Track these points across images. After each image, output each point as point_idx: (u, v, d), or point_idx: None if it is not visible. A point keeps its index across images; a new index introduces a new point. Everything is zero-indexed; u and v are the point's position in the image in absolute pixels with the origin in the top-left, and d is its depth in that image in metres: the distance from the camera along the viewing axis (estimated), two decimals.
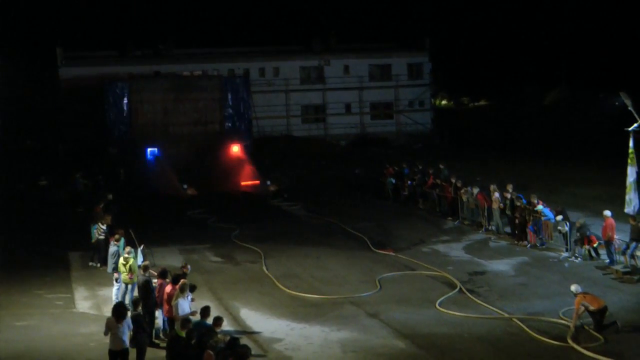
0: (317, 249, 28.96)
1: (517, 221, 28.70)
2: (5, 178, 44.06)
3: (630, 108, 26.58)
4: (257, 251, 28.30)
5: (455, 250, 28.33)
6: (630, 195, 26.47)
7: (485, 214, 31.04)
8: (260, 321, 20.48)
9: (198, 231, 32.86)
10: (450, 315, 20.47)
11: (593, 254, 25.55)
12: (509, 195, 29.75)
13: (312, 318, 20.52)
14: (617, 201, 27.75)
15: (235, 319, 20.74)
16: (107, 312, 18.76)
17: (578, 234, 25.72)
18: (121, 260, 21.57)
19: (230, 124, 49.77)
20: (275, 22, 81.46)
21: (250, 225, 33.59)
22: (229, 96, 50.28)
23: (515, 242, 28.58)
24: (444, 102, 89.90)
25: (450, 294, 22.43)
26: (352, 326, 19.81)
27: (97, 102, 50.55)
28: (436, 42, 69.30)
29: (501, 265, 25.72)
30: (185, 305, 17.89)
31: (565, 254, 26.05)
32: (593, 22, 75.01)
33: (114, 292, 21.79)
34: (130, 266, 21.14)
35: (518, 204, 28.79)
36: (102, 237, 26.09)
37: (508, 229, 29.92)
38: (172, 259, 27.09)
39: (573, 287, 19.27)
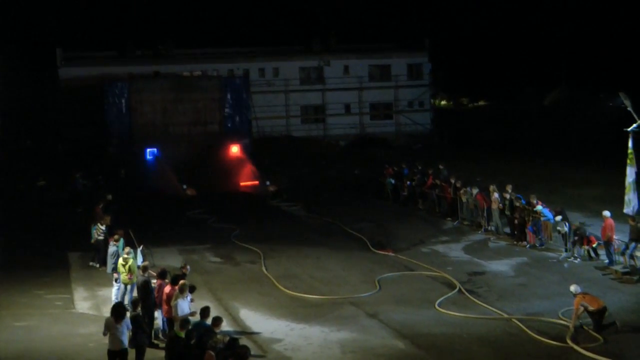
0: (317, 249, 28.97)
1: (516, 222, 28.71)
2: (4, 178, 44.03)
3: (629, 108, 26.61)
4: (257, 251, 28.30)
5: (455, 251, 28.34)
6: (630, 196, 26.49)
7: (485, 214, 31.05)
8: (260, 321, 20.49)
9: (198, 231, 32.85)
10: (450, 315, 20.49)
11: (592, 254, 25.57)
12: (508, 196, 29.77)
13: (312, 318, 20.53)
14: (616, 201, 27.74)
15: (235, 319, 20.75)
16: (107, 312, 18.75)
17: (576, 237, 25.74)
18: (120, 260, 21.57)
19: (229, 124, 49.76)
20: (274, 22, 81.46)
21: (249, 225, 33.58)
22: (229, 96, 50.27)
23: (515, 242, 28.59)
24: (443, 102, 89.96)
25: (449, 294, 22.44)
26: (352, 326, 19.82)
27: (96, 103, 50.49)
28: (436, 42, 69.29)
29: (500, 266, 25.73)
30: (185, 305, 17.90)
31: (564, 255, 26.06)
32: (593, 23, 75.04)
33: (114, 293, 21.80)
34: (129, 266, 21.14)
35: (517, 204, 28.81)
36: (101, 237, 26.09)
37: (507, 230, 29.94)
38: (172, 260, 27.10)
39: (572, 288, 19.29)
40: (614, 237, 24.78)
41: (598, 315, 18.60)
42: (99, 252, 26.02)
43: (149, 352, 17.32)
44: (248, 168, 45.72)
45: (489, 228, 30.82)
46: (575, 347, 17.61)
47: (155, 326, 19.23)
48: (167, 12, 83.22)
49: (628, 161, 26.59)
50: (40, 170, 45.44)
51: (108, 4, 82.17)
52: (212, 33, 76.01)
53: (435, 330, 19.42)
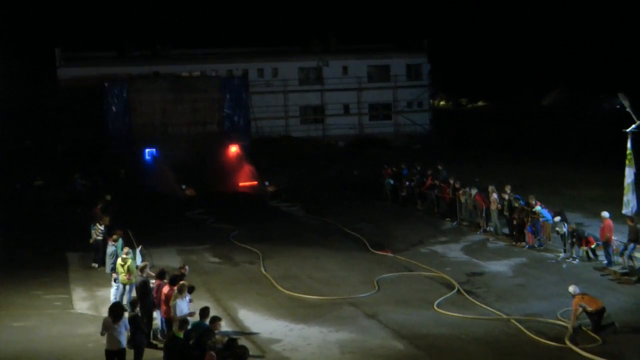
0: (316, 249, 28.97)
1: (515, 222, 28.71)
2: (3, 178, 44.03)
3: (628, 109, 26.60)
4: (256, 252, 28.30)
5: (454, 251, 28.35)
6: (628, 197, 26.47)
7: (484, 215, 31.06)
8: (259, 322, 20.48)
9: (196, 232, 32.87)
10: (449, 316, 20.48)
11: (591, 255, 25.56)
12: (507, 196, 29.78)
13: (311, 319, 20.52)
14: (615, 202, 27.72)
15: (234, 319, 20.74)
16: (105, 312, 18.71)
17: (574, 238, 25.74)
18: (119, 261, 21.57)
19: (228, 125, 49.81)
20: (274, 22, 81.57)
21: (248, 226, 33.59)
22: (228, 97, 50.33)
23: (513, 243, 28.60)
24: (442, 103, 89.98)
25: (448, 294, 22.43)
26: (351, 327, 19.82)
27: (96, 103, 50.52)
28: (435, 43, 69.31)
29: (499, 266, 25.73)
30: (184, 306, 17.89)
31: (563, 255, 26.06)
32: (592, 23, 75.11)
33: (112, 293, 21.80)
34: (128, 267, 21.14)
35: (516, 205, 28.82)
36: (100, 237, 26.09)
37: (506, 230, 29.94)
38: (171, 260, 27.10)
39: (571, 288, 19.28)
40: (613, 237, 24.79)
41: (597, 315, 18.60)
42: (98, 253, 26.02)
43: (148, 353, 17.31)
44: (247, 168, 45.76)
45: (488, 229, 30.83)
46: (574, 347, 17.60)
47: (153, 326, 19.23)
48: (166, 12, 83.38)
49: (627, 162, 26.57)
50: (39, 170, 45.45)
51: (107, 4, 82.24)
52: (211, 33, 76.18)
53: (434, 331, 19.42)
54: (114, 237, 24.02)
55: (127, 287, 21.23)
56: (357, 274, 25.38)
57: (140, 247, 23.80)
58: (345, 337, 19.10)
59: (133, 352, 16.75)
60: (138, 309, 17.70)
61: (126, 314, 16.96)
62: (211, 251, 29.13)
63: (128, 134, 47.69)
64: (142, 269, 19.86)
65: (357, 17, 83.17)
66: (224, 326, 19.07)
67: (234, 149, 47.62)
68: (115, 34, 73.01)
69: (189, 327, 15.97)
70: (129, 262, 21.25)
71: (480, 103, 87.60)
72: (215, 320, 16.61)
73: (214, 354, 14.52)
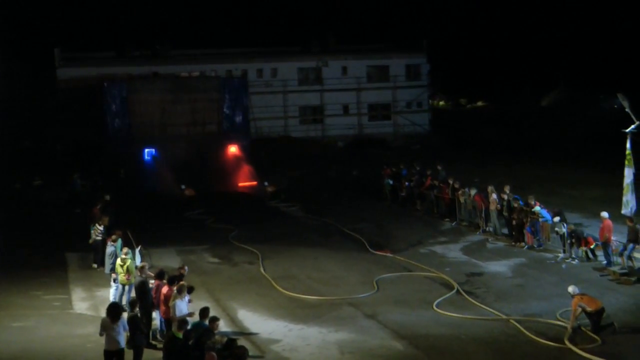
0: (315, 250, 28.98)
1: (514, 222, 28.71)
2: (3, 178, 44.00)
3: (627, 109, 26.60)
4: (255, 252, 28.30)
5: (453, 252, 28.35)
6: (628, 197, 26.48)
7: (483, 215, 31.06)
8: (258, 322, 20.49)
9: (196, 232, 32.86)
10: (448, 316, 20.48)
11: (590, 255, 25.57)
12: (506, 197, 29.77)
13: (310, 319, 20.53)
14: (614, 202, 27.74)
15: (233, 320, 20.74)
16: (105, 313, 18.74)
17: (573, 239, 25.74)
18: (118, 261, 21.57)
19: (228, 125, 49.74)
20: (273, 23, 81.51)
21: (248, 226, 33.59)
22: (227, 97, 50.25)
23: (513, 243, 28.60)
24: (441, 103, 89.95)
25: (447, 295, 22.44)
26: (350, 327, 19.82)
27: (95, 103, 50.49)
28: (434, 43, 69.30)
29: (498, 267, 25.74)
30: (183, 306, 17.89)
31: (562, 256, 26.06)
32: (592, 23, 75.11)
33: (112, 293, 21.81)
34: (127, 267, 21.14)
35: (515, 205, 28.80)
36: (99, 238, 26.10)
37: (505, 231, 29.94)
38: (170, 260, 27.11)
39: (570, 289, 19.29)
40: (612, 238, 24.80)
41: (596, 316, 18.61)
42: (97, 253, 26.02)
43: (147, 353, 17.32)
44: (246, 169, 45.76)
45: (487, 229, 30.83)
46: (573, 348, 17.61)
47: (152, 327, 19.23)
48: (165, 12, 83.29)
49: (626, 162, 26.58)
50: (39, 170, 45.48)
51: (106, 4, 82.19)
52: (211, 34, 76.11)
53: (433, 331, 19.42)
54: (113, 237, 24.02)
55: (127, 287, 21.23)
56: (357, 274, 25.38)
57: (139, 247, 23.81)
58: (345, 337, 19.10)
59: (132, 352, 16.76)
60: (137, 309, 17.70)
61: (125, 314, 16.96)
62: (210, 251, 29.14)
63: (127, 134, 47.63)
64: (141, 269, 19.86)
65: (356, 18, 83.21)
66: (223, 326, 19.11)
67: (233, 149, 47.63)
68: (114, 34, 73.04)
69: (189, 327, 15.97)
70: (128, 262, 21.25)
71: (479, 103, 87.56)
72: (214, 320, 16.63)
73: (214, 354, 14.50)
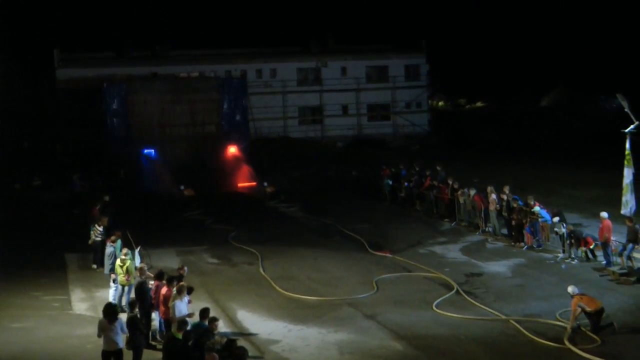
0: (314, 250, 28.97)
1: (513, 223, 28.71)
2: (2, 179, 43.99)
3: (627, 110, 26.60)
4: (254, 253, 28.30)
5: (452, 252, 28.35)
6: (627, 197, 26.49)
7: (482, 215, 31.06)
8: (257, 323, 20.48)
9: (195, 233, 32.85)
10: (447, 316, 20.48)
11: (590, 255, 25.57)
12: (505, 197, 29.77)
13: (309, 320, 20.52)
14: (614, 203, 27.74)
15: (232, 320, 20.74)
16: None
17: (572, 240, 25.75)
18: (118, 261, 21.56)
19: (227, 126, 49.74)
20: (272, 23, 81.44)
21: (247, 226, 33.59)
22: (226, 97, 50.24)
23: (512, 243, 28.60)
24: (441, 103, 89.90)
25: (447, 295, 22.44)
26: (350, 328, 19.82)
27: (94, 104, 50.47)
28: (433, 43, 69.29)
29: (498, 267, 25.74)
30: (182, 306, 17.89)
31: (561, 256, 26.06)
32: (592, 23, 75.07)
33: (111, 294, 21.81)
34: (127, 268, 21.13)
35: (515, 205, 28.81)
36: (98, 238, 26.09)
37: (505, 231, 29.94)
38: (169, 261, 27.10)
39: (570, 289, 19.30)
40: (612, 238, 24.80)
41: (595, 316, 18.61)
42: (97, 254, 26.00)
43: (147, 354, 17.32)
44: (245, 169, 45.73)
45: (487, 229, 30.83)
46: (573, 348, 17.61)
47: (152, 327, 19.22)
48: (164, 13, 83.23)
49: (626, 162, 26.58)
50: (38, 171, 45.48)
51: (106, 5, 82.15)
52: (210, 34, 76.04)
53: (433, 332, 19.42)
54: (113, 238, 24.00)
55: (126, 288, 21.22)
56: (356, 274, 25.38)
57: (139, 248, 23.80)
58: (344, 337, 19.09)
59: (132, 353, 16.76)
60: (137, 310, 17.69)
61: (123, 315, 16.95)
62: (210, 252, 29.14)
63: (127, 135, 47.64)
64: (140, 270, 19.86)
65: (355, 18, 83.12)
66: (223, 327, 19.10)
67: (232, 150, 47.61)
68: (113, 34, 72.90)
69: (188, 328, 15.97)
70: (128, 263, 21.24)
71: (479, 104, 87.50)
72: (213, 321, 16.63)
73: (216, 355, 14.47)
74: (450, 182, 34.40)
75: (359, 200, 40.20)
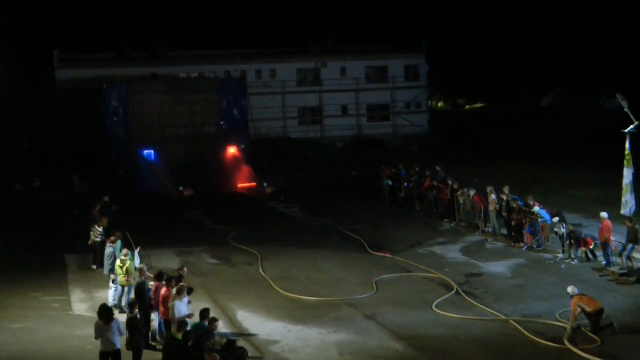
0: (314, 251, 28.97)
1: (513, 223, 28.71)
2: (2, 180, 43.99)
3: (626, 110, 26.60)
4: (254, 253, 28.30)
5: (452, 252, 28.35)
6: (627, 197, 26.48)
7: (482, 215, 31.06)
8: (257, 323, 20.47)
9: (195, 233, 32.85)
10: (447, 317, 20.47)
11: (590, 255, 25.55)
12: (505, 197, 29.77)
13: (309, 320, 20.52)
14: (613, 203, 27.74)
15: (232, 321, 20.74)
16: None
17: (572, 240, 25.75)
18: (118, 262, 21.56)
19: (227, 126, 49.76)
20: (272, 24, 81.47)
21: (247, 227, 33.59)
22: (226, 98, 50.29)
23: (512, 244, 28.59)
24: (440, 104, 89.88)
25: (447, 296, 22.43)
26: (349, 328, 19.81)
27: (94, 104, 50.50)
28: (433, 44, 69.30)
29: (498, 267, 25.73)
30: (182, 307, 17.88)
31: (561, 256, 26.06)
32: (592, 24, 75.07)
33: (111, 295, 21.81)
34: (127, 268, 21.13)
35: (515, 205, 28.80)
36: (98, 239, 26.08)
37: (505, 231, 29.93)
38: (169, 261, 27.09)
39: (570, 289, 19.29)
40: (612, 238, 24.79)
41: (595, 316, 18.61)
42: (97, 254, 25.99)
43: (147, 354, 17.30)
44: (245, 170, 45.76)
45: (487, 229, 30.83)
46: (573, 348, 17.60)
47: (152, 328, 19.21)
48: (164, 13, 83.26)
49: (625, 162, 26.58)
50: (38, 171, 45.48)
51: (105, 5, 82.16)
52: (210, 35, 76.02)
53: (432, 332, 19.41)
54: (112, 238, 24.00)
55: (126, 289, 21.21)
56: (356, 275, 25.38)
57: (139, 248, 23.79)
58: (344, 338, 19.09)
59: (132, 354, 16.75)
60: (137, 310, 17.68)
61: (123, 315, 16.93)
62: (209, 252, 29.14)
63: (126, 136, 47.68)
64: (140, 271, 19.85)
65: (355, 18, 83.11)
66: (223, 327, 19.09)
67: (232, 151, 47.64)
68: (113, 35, 72.90)
69: (188, 328, 15.96)
70: (128, 263, 21.24)
71: (478, 104, 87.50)
72: (213, 321, 16.62)
73: (217, 355, 14.44)
74: (450, 182, 34.40)
75: (358, 200, 40.21)
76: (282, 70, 63.86)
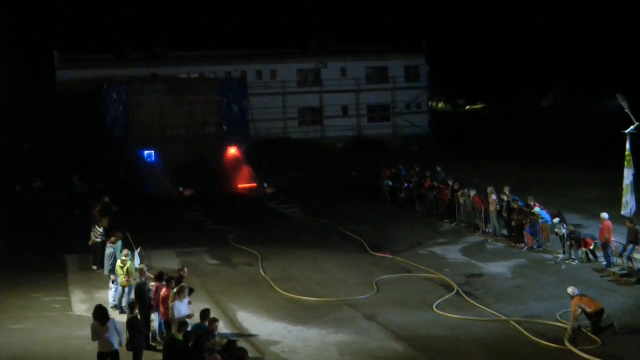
0: (315, 251, 28.97)
1: (514, 224, 28.69)
2: (2, 180, 43.96)
3: (627, 110, 26.58)
4: (254, 254, 28.30)
5: (453, 253, 28.34)
6: (627, 198, 26.44)
7: (483, 216, 31.05)
8: (258, 324, 20.47)
9: (195, 234, 32.84)
10: (448, 317, 20.47)
11: (590, 256, 25.54)
12: (505, 198, 29.76)
13: (310, 321, 20.51)
14: (614, 203, 27.72)
15: (232, 321, 20.73)
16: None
17: (572, 241, 25.74)
18: (119, 263, 21.56)
19: (227, 127, 49.76)
20: (272, 24, 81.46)
21: (247, 227, 33.58)
22: (226, 99, 50.29)
23: (512, 244, 28.58)
24: (441, 104, 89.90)
25: (447, 296, 22.43)
26: (350, 329, 19.80)
27: (94, 105, 50.51)
28: (433, 44, 69.30)
29: (498, 268, 25.72)
30: (182, 308, 17.86)
31: (562, 257, 26.05)
32: (592, 24, 75.06)
33: (111, 295, 21.81)
34: (127, 269, 21.13)
35: (515, 206, 28.78)
36: (99, 240, 26.07)
37: (505, 232, 29.92)
38: (169, 262, 27.08)
39: (570, 290, 19.28)
40: (612, 239, 24.78)
41: (596, 317, 18.60)
42: (97, 255, 25.98)
43: (147, 355, 17.30)
44: (246, 170, 45.76)
45: (487, 230, 30.82)
46: (574, 349, 17.60)
47: (152, 328, 19.20)
48: (164, 14, 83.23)
49: (626, 163, 26.54)
50: (38, 172, 45.47)
51: (106, 6, 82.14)
52: (210, 35, 76.06)
53: (433, 333, 19.40)
54: (113, 239, 23.98)
55: (126, 289, 21.21)
56: (356, 275, 25.37)
57: (139, 249, 23.78)
58: (344, 338, 19.08)
59: (132, 354, 16.74)
60: (137, 311, 17.67)
61: (120, 316, 16.91)
62: (210, 253, 29.13)
63: (126, 136, 47.67)
64: (140, 272, 19.85)
65: (355, 19, 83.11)
66: (223, 328, 19.09)
67: (232, 151, 47.63)
68: (113, 36, 72.96)
69: (189, 329, 15.95)
70: (129, 264, 21.24)
71: (478, 105, 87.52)
72: (213, 322, 16.62)
73: (218, 356, 14.43)
74: (450, 183, 34.39)
75: (359, 201, 40.20)
76: (282, 70, 63.84)
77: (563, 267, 25.33)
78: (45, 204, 39.30)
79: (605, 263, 24.62)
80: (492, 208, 30.28)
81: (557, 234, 26.72)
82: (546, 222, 27.52)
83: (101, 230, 26.24)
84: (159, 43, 64.98)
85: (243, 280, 25.15)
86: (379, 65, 66.77)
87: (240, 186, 45.03)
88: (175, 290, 18.36)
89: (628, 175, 26.45)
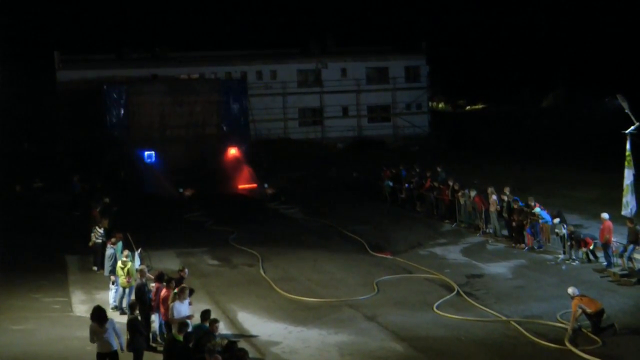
0: (315, 251, 28.96)
1: (514, 224, 28.69)
2: (2, 180, 43.97)
3: (627, 110, 26.58)
4: (255, 254, 28.30)
5: (453, 253, 28.33)
6: (628, 198, 26.44)
7: (483, 216, 31.05)
8: (258, 324, 20.47)
9: (195, 234, 32.84)
10: (448, 318, 20.47)
11: (591, 256, 25.54)
12: (506, 198, 29.76)
13: (310, 321, 20.51)
14: (614, 204, 27.72)
15: (233, 322, 20.73)
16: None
17: (572, 241, 25.74)
18: (119, 264, 21.56)
19: (227, 127, 49.77)
20: (272, 25, 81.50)
21: (247, 228, 33.58)
22: (227, 99, 50.29)
23: (513, 244, 28.58)
24: (441, 105, 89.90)
25: (447, 296, 22.42)
26: (350, 329, 19.80)
27: (94, 105, 50.51)
28: (433, 45, 69.30)
29: (498, 268, 25.72)
30: (182, 308, 17.86)
31: (562, 257, 26.05)
32: (592, 24, 75.07)
33: (111, 296, 21.81)
34: (128, 270, 21.13)
35: (515, 206, 28.78)
36: (99, 240, 26.06)
37: (505, 232, 29.91)
38: (170, 263, 27.08)
39: (570, 290, 19.28)
40: (612, 239, 24.78)
41: (596, 317, 18.60)
42: (97, 256, 25.98)
43: (147, 356, 17.30)
44: (246, 170, 45.75)
45: (487, 230, 30.82)
46: (574, 349, 17.60)
47: (152, 329, 19.20)
48: (164, 15, 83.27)
49: (626, 163, 26.54)
50: (39, 172, 45.47)
51: (106, 6, 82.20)
52: (210, 36, 76.09)
53: (433, 333, 19.40)
54: (113, 240, 23.98)
55: (127, 290, 21.21)
56: (356, 276, 25.37)
57: (139, 249, 23.78)
58: (345, 339, 19.08)
59: (132, 355, 16.74)
60: (137, 311, 17.67)
61: (120, 317, 16.90)
62: (210, 254, 29.12)
63: (127, 137, 47.67)
64: (141, 272, 19.85)
65: (355, 19, 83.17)
66: (223, 329, 19.09)
67: (233, 152, 47.63)
68: (114, 36, 73.01)
69: (189, 329, 15.95)
70: (129, 265, 21.25)
71: (479, 105, 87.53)
72: (213, 322, 16.62)
73: (219, 357, 14.43)
74: (450, 183, 34.39)
75: (359, 201, 40.19)
76: (282, 71, 63.85)
77: (563, 267, 25.33)
78: (45, 204, 39.32)
79: (605, 263, 24.62)
80: (492, 208, 30.28)
81: (557, 234, 26.72)
82: (546, 222, 27.52)
83: (101, 230, 26.24)
84: (159, 43, 64.98)
85: (243, 281, 25.16)
86: (379, 65, 66.78)
87: (241, 186, 45.02)
88: (175, 290, 18.36)
89: (628, 175, 26.44)
